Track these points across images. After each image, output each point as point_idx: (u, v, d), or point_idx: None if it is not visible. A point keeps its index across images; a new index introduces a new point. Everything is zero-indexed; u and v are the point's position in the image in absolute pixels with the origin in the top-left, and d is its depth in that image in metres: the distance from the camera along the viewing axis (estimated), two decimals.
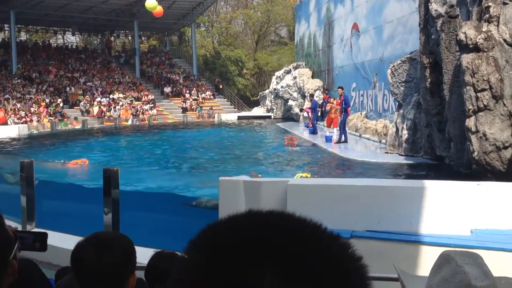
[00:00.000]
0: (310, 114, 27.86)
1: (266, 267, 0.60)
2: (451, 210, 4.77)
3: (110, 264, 1.79)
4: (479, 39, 10.31)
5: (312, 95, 29.67)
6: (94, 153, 18.69)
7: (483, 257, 1.40)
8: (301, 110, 30.45)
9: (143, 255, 3.58)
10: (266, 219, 0.67)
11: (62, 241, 5.91)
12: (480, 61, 10.17)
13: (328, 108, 25.78)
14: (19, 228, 7.02)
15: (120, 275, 1.81)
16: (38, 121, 31.54)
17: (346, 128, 20.20)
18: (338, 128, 19.96)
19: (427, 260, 4.40)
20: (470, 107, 10.16)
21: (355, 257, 0.65)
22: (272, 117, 36.69)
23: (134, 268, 1.90)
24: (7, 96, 33.26)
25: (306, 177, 11.75)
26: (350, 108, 21.36)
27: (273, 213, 0.69)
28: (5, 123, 29.56)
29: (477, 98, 10.08)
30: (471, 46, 10.39)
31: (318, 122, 25.29)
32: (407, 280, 1.52)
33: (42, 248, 1.88)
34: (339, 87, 21.33)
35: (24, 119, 31.05)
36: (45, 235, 1.92)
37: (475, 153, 10.09)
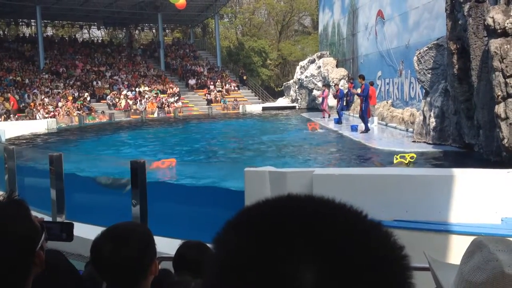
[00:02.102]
0: (326, 101, 27.97)
1: (306, 255, 0.59)
2: (480, 198, 4.70)
3: (127, 256, 1.82)
4: (507, 23, 10.08)
5: (327, 85, 29.55)
6: (141, 147, 18.76)
7: None
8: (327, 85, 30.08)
9: (170, 245, 3.62)
10: (306, 204, 0.66)
11: (93, 233, 6.00)
12: (509, 46, 9.95)
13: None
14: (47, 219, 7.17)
15: (138, 265, 1.84)
16: (68, 114, 32.05)
17: (375, 118, 20.02)
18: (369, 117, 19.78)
19: (457, 249, 4.34)
20: (499, 93, 9.96)
21: (397, 247, 0.64)
22: (297, 107, 36.58)
23: (154, 257, 1.92)
24: (35, 91, 33.84)
25: (413, 157, 12.08)
26: (370, 97, 21.12)
27: (313, 199, 0.67)
28: (8, 112, 30.00)
29: (506, 84, 9.87)
30: (499, 31, 10.17)
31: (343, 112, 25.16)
32: (438, 268, 1.50)
33: (69, 238, 1.90)
34: (359, 76, 21.15)
35: (52, 113, 31.58)
36: (71, 225, 1.94)
37: (505, 140, 9.90)
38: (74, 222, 2.09)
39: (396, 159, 12.16)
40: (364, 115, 19.19)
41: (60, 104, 33.35)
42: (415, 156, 12.23)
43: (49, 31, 49.92)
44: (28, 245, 1.40)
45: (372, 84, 21.22)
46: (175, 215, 7.26)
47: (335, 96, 26.62)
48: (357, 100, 25.84)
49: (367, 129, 18.96)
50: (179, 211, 7.53)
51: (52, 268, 1.61)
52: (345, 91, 27.65)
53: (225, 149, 17.62)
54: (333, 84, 29.06)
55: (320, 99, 29.19)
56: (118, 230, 1.92)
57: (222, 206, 6.74)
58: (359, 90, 20.28)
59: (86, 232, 6.06)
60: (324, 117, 27.04)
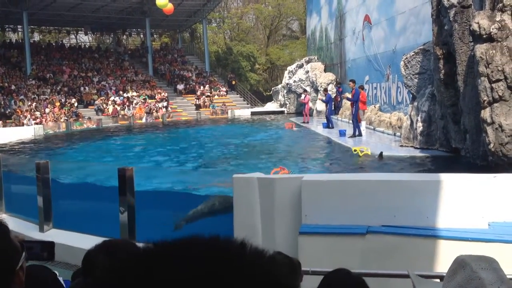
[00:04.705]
0: (307, 106, 28.33)
1: None
2: (467, 203, 4.73)
3: None
4: (492, 29, 10.18)
5: (305, 90, 29.80)
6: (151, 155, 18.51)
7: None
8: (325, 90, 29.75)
9: None
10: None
11: (79, 241, 5.96)
12: (494, 51, 10.04)
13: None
14: (36, 229, 7.11)
15: None
16: (55, 121, 31.81)
17: (363, 122, 20.09)
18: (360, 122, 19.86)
19: (444, 254, 4.37)
20: (485, 98, 10.04)
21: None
22: (286, 112, 36.63)
23: None
24: (22, 97, 33.57)
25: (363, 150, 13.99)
26: (364, 102, 21.22)
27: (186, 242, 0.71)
28: None
29: (492, 88, 9.96)
30: (484, 36, 10.26)
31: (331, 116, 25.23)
32: (421, 285, 1.50)
33: (50, 257, 1.88)
34: (350, 80, 21.26)
35: (39, 120, 31.34)
36: (52, 244, 1.91)
37: (491, 145, 9.98)
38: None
39: (356, 151, 14.34)
40: (354, 120, 19.27)
41: (47, 110, 33.11)
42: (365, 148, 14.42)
43: (36, 37, 49.58)
44: (7, 264, 1.38)
45: (362, 88, 21.29)
46: (163, 222, 7.22)
47: (322, 101, 26.70)
48: (345, 105, 25.95)
49: (359, 134, 19.03)
50: (169, 218, 7.49)
51: (37, 283, 1.60)
52: (333, 95, 27.75)
53: (223, 155, 17.53)
54: (322, 89, 29.14)
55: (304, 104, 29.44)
56: (111, 244, 1.95)
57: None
58: (349, 95, 20.36)
59: (73, 240, 6.02)
60: (308, 122, 27.22)
